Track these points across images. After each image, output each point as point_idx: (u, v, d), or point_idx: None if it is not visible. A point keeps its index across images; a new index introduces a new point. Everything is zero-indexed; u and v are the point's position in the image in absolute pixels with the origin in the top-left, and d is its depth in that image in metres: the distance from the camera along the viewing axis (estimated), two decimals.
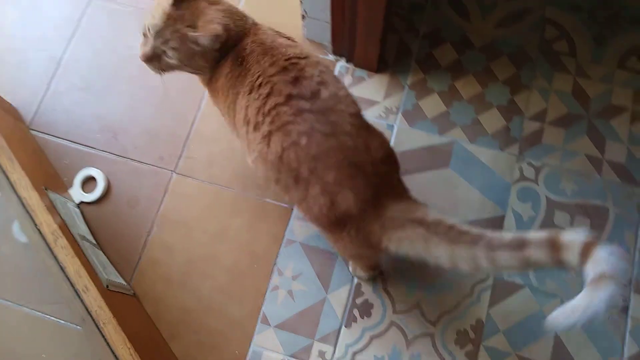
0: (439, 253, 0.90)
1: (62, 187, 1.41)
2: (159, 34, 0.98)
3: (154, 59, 1.01)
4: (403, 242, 0.94)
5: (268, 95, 0.95)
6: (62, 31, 1.59)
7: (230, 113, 1.05)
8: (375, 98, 1.48)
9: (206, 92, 1.46)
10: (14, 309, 1.30)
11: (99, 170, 1.43)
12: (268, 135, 0.94)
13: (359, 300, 1.31)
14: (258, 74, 0.97)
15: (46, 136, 1.49)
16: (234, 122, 1.05)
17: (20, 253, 1.35)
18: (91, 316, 1.10)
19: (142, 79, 1.52)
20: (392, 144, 1.43)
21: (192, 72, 1.07)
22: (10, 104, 1.49)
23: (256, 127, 0.96)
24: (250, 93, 0.97)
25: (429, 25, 1.55)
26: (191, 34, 0.97)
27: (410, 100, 1.48)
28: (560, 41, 1.51)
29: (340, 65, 1.52)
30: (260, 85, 0.96)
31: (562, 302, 0.77)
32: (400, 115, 1.46)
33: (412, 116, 1.46)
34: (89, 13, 1.60)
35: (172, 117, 1.49)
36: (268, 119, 0.94)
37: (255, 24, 1.06)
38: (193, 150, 1.46)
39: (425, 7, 1.56)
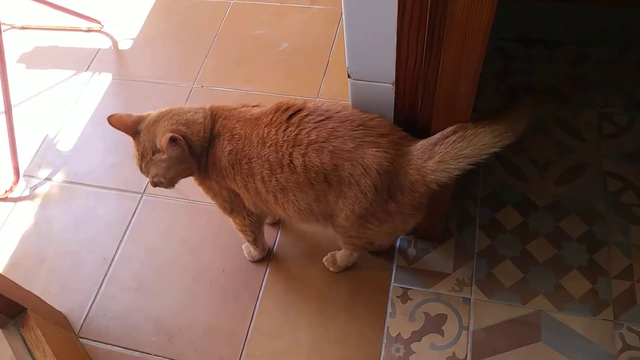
0: (484, 140, 0.95)
1: None
2: (144, 171, 1.11)
3: (158, 185, 1.13)
4: (446, 161, 0.97)
5: (270, 138, 1.04)
6: (114, 230, 1.57)
7: (249, 186, 1.10)
8: (445, 270, 1.39)
9: (266, 275, 1.41)
10: None
11: None
12: (289, 158, 1.02)
13: None
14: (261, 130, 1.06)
15: (96, 343, 1.38)
16: (254, 193, 1.11)
17: None
18: None
19: (199, 272, 1.46)
20: (471, 319, 1.31)
21: (189, 175, 1.14)
22: (61, 313, 1.42)
23: (281, 166, 1.03)
24: (263, 145, 1.05)
25: (485, 190, 1.51)
26: (155, 157, 1.08)
27: (482, 269, 1.38)
28: (626, 192, 1.46)
29: (401, 238, 1.45)
30: (266, 135, 1.05)
31: None
32: (474, 286, 1.36)
33: (488, 287, 1.35)
34: (140, 209, 1.60)
35: (231, 311, 1.39)
36: (283, 148, 1.03)
37: (212, 107, 1.13)
38: (254, 347, 1.33)
39: (478, 172, 1.54)
